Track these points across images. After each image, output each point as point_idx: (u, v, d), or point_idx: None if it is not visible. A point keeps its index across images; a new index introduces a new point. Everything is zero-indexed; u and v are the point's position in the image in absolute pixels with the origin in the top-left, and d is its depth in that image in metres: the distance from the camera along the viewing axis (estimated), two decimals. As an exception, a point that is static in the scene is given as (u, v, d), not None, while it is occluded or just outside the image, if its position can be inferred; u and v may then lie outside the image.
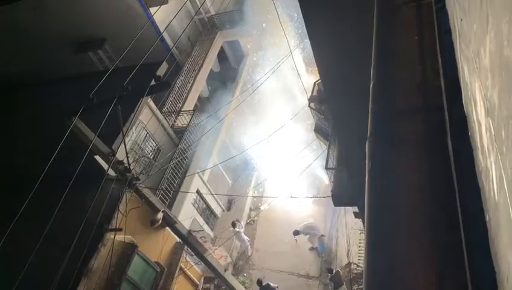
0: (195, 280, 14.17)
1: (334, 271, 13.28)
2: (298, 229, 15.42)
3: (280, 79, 17.66)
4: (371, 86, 2.30)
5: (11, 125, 12.66)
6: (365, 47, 2.82)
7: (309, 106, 12.20)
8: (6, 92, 14.04)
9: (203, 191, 16.88)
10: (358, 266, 13.80)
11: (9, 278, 6.20)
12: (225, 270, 13.67)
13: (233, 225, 15.46)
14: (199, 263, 13.88)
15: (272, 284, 13.90)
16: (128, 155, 9.59)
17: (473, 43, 1.31)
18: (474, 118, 1.38)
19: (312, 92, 11.85)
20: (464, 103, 1.68)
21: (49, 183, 6.15)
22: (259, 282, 13.98)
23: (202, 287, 14.79)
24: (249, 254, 16.41)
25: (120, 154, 9.83)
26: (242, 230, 15.74)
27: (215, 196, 17.31)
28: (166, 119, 15.50)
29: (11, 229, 5.22)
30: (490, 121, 1.12)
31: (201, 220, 16.60)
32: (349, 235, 14.78)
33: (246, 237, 16.03)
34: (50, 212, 5.96)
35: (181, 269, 12.60)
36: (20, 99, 13.73)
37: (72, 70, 13.69)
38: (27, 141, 11.69)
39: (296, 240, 16.03)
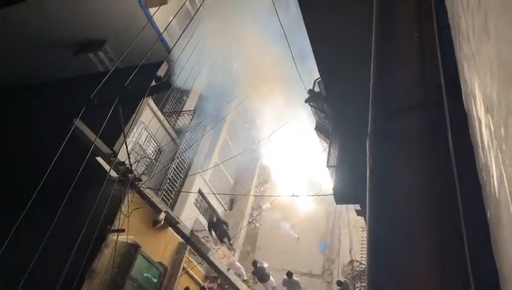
0: (199, 279, 14.18)
1: (342, 282, 13.01)
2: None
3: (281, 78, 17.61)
4: (370, 83, 2.29)
5: (11, 128, 12.67)
6: (364, 42, 2.82)
7: (309, 104, 12.16)
8: (6, 94, 14.06)
9: (205, 190, 16.89)
10: (361, 263, 13.80)
11: (14, 280, 6.23)
12: (228, 269, 13.71)
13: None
14: (202, 263, 13.89)
15: (265, 266, 14.37)
16: (130, 156, 9.61)
17: (472, 40, 1.30)
18: (474, 115, 1.38)
19: (312, 90, 11.78)
20: (464, 99, 1.68)
21: (51, 186, 6.16)
22: (254, 263, 14.43)
23: (206, 286, 14.81)
24: (245, 278, 16.19)
25: (121, 156, 9.84)
26: (235, 259, 15.76)
27: (217, 195, 17.31)
28: (167, 120, 15.50)
29: (14, 232, 5.23)
30: (490, 118, 1.12)
31: (203, 220, 16.62)
32: (352, 232, 14.78)
33: (239, 265, 15.81)
34: (52, 214, 5.97)
35: (184, 268, 12.61)
36: (20, 102, 13.73)
37: (73, 72, 13.68)
38: (28, 143, 11.69)
39: (298, 238, 15.99)
